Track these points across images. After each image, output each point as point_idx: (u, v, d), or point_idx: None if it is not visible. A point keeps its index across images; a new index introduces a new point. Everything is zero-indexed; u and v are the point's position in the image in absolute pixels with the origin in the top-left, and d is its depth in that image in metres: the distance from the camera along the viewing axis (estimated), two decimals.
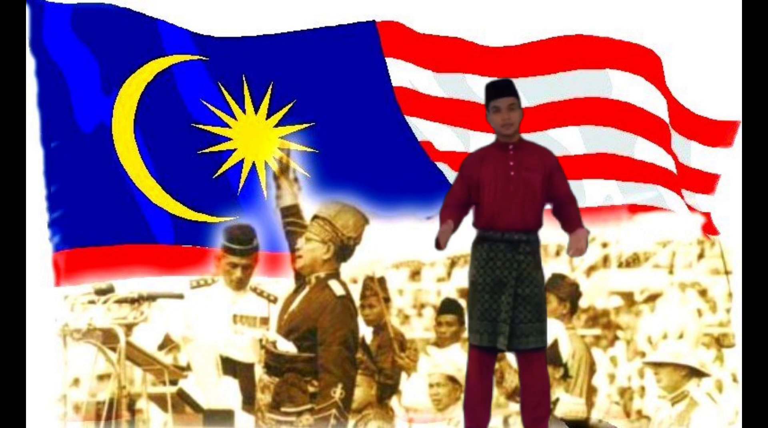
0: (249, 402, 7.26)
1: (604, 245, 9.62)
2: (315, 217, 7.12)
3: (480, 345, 5.50)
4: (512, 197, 5.50)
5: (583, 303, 8.52)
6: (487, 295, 5.49)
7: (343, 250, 7.12)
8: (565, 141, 7.10)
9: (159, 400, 7.27)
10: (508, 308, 5.46)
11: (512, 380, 7.36)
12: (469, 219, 5.63)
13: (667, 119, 7.21)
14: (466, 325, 5.68)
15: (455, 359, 7.56)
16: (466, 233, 5.66)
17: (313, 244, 7.09)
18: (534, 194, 5.53)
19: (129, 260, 7.01)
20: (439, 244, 5.43)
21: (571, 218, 5.62)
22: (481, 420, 5.55)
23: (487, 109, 5.61)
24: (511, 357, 6.64)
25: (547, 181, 5.57)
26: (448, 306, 7.83)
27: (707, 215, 7.35)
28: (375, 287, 7.50)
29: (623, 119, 7.19)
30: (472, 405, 5.56)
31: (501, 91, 5.60)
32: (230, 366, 7.33)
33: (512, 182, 5.51)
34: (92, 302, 6.96)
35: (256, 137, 7.11)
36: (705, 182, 7.37)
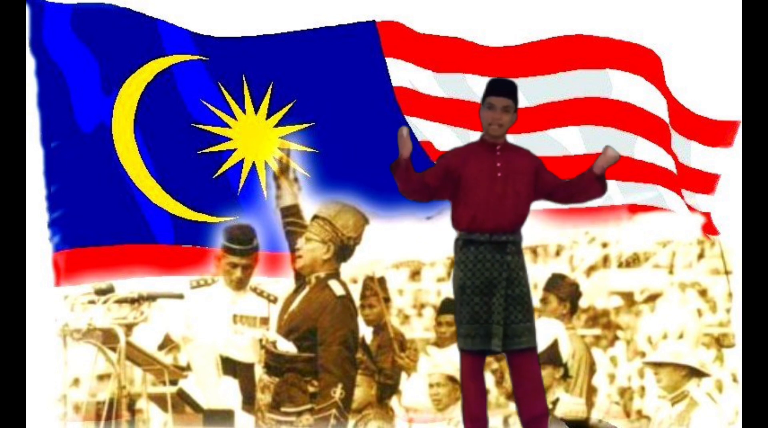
0: (249, 402, 7.26)
1: (604, 245, 9.61)
2: (315, 217, 7.12)
3: (472, 349, 5.45)
4: (501, 199, 5.43)
5: (583, 303, 8.50)
6: (477, 298, 5.40)
7: (343, 250, 7.12)
8: (565, 141, 7.09)
9: (159, 400, 7.27)
10: (500, 309, 5.39)
11: None
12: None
13: (667, 119, 7.21)
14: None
15: (455, 359, 7.52)
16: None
17: (313, 244, 7.09)
18: (520, 196, 5.47)
19: (129, 260, 7.00)
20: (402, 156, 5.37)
21: (578, 176, 5.54)
22: (481, 422, 5.53)
23: (482, 103, 5.57)
24: None
25: (535, 181, 5.52)
26: (448, 306, 7.82)
27: (707, 215, 7.34)
28: (375, 287, 7.50)
29: (623, 119, 7.18)
30: (471, 409, 5.52)
31: (500, 90, 5.55)
32: (230, 366, 7.33)
33: (499, 184, 5.44)
34: (92, 302, 6.97)
35: (256, 137, 7.10)
36: (705, 182, 7.37)
